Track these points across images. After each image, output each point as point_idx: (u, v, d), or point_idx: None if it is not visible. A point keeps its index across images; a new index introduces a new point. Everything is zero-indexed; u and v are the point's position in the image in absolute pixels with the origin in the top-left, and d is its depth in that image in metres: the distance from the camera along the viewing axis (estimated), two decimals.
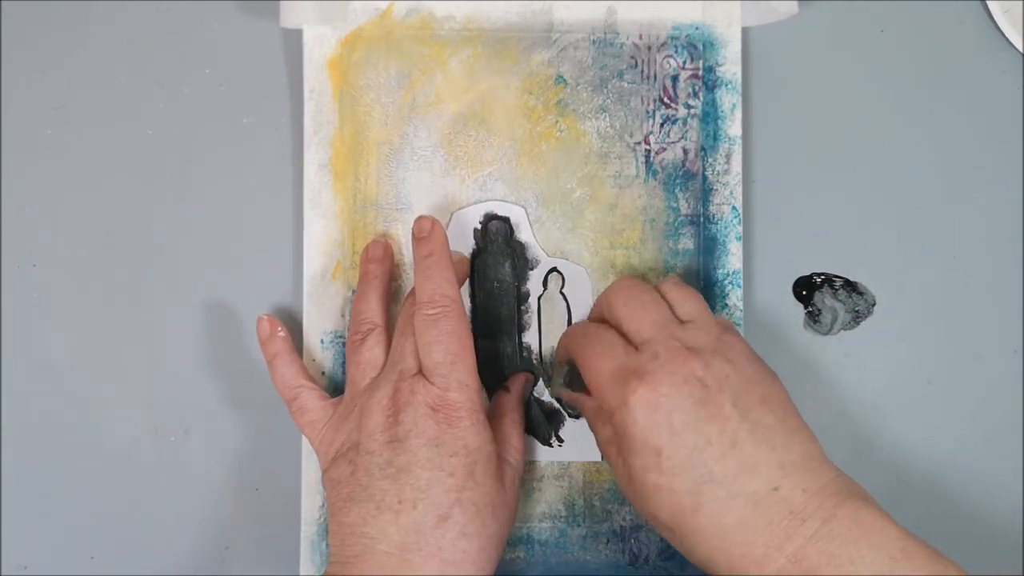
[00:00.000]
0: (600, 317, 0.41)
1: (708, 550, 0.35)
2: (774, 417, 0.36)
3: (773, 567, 0.34)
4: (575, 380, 0.42)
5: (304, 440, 0.43)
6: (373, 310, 0.41)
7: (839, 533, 0.34)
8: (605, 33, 0.44)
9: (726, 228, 0.44)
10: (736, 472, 0.35)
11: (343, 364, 0.43)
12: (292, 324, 0.44)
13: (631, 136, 0.44)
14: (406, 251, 0.44)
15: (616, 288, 0.40)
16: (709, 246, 0.44)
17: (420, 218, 0.41)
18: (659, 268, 0.44)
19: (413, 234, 0.41)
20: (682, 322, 0.39)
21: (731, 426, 0.35)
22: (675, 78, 0.44)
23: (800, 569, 0.33)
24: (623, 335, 0.39)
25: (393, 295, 0.44)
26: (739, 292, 0.44)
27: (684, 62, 0.44)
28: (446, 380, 0.38)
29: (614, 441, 0.38)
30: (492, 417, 0.41)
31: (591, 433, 0.40)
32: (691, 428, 0.35)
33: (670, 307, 0.39)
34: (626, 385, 0.36)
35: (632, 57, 0.44)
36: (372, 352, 0.41)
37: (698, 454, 0.35)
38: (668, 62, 0.44)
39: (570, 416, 0.44)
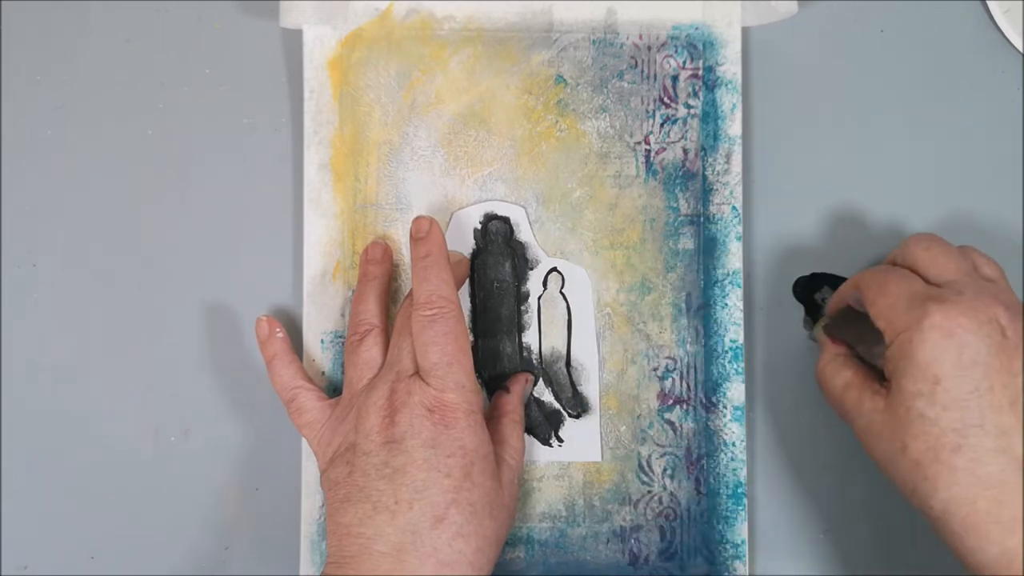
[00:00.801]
0: (892, 263, 0.40)
1: (951, 497, 0.34)
2: None
3: (1021, 535, 0.33)
4: (837, 327, 0.41)
5: (304, 440, 0.43)
6: (372, 311, 0.41)
7: None
8: (605, 33, 0.44)
9: (726, 228, 0.44)
10: (1007, 429, 0.34)
11: (343, 364, 0.43)
12: (292, 324, 0.44)
13: (631, 136, 0.44)
14: (406, 251, 0.44)
15: (915, 238, 0.39)
16: (709, 246, 0.44)
17: (418, 218, 0.41)
18: (659, 268, 0.44)
19: (411, 235, 0.41)
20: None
21: (1017, 384, 0.34)
22: (675, 78, 0.44)
23: None
24: (921, 277, 0.38)
25: (392, 295, 0.44)
26: (739, 292, 0.44)
27: (684, 62, 0.44)
28: (443, 381, 0.38)
29: (857, 385, 0.38)
30: (491, 417, 0.41)
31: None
32: (978, 369, 0.34)
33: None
34: (923, 307, 0.35)
35: (632, 57, 0.44)
36: (370, 353, 0.41)
37: (977, 397, 0.34)
38: (668, 62, 0.44)
39: (570, 416, 0.44)
